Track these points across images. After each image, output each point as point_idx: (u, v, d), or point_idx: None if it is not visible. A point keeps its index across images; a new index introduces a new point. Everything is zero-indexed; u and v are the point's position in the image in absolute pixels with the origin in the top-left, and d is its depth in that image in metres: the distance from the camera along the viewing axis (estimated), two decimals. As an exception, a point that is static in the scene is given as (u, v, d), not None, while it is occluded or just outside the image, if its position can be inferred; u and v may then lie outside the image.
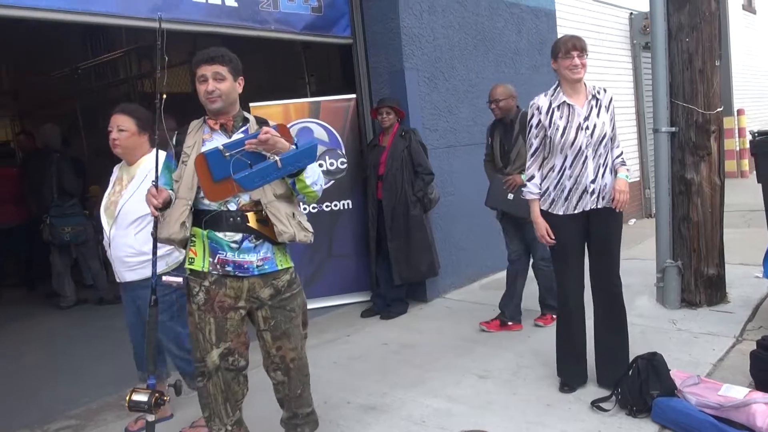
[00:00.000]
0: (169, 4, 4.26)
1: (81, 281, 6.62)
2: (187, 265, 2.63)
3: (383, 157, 5.05)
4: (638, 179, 9.07)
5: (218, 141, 2.58)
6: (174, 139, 2.69)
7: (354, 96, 5.56)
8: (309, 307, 5.15)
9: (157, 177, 2.57)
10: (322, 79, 7.32)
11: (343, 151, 5.45)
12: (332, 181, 5.43)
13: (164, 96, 2.53)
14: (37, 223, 6.27)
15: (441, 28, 5.74)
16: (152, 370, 2.58)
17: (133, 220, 3.13)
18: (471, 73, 6.09)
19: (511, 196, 4.43)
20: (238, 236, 2.57)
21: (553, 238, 3.33)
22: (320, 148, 5.37)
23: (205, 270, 2.58)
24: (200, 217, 2.57)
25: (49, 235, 6.08)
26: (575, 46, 3.22)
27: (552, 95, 3.33)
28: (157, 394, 2.47)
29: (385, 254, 5.17)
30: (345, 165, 5.44)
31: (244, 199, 2.56)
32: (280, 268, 2.66)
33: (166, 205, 2.56)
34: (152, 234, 2.59)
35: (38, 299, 6.86)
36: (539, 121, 3.32)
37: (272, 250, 2.64)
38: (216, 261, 2.57)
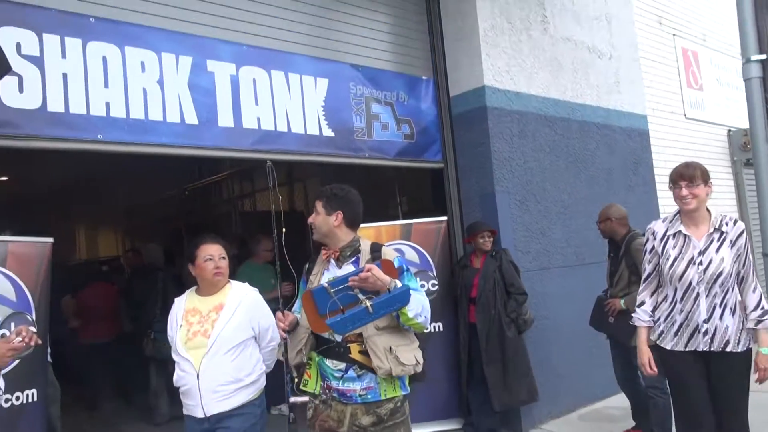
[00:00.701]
0: (271, 136, 4.54)
1: (177, 397, 6.70)
2: (301, 387, 2.86)
3: (476, 279, 5.00)
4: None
5: (333, 272, 2.83)
6: (306, 267, 3.03)
7: (445, 218, 5.61)
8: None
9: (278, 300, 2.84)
10: (414, 201, 7.47)
11: (434, 273, 5.44)
12: (423, 303, 5.38)
13: (284, 231, 3.13)
14: (133, 338, 6.50)
15: (531, 151, 5.80)
16: None
17: (231, 347, 3.09)
18: (563, 194, 6.05)
19: (611, 319, 4.35)
20: (342, 365, 2.73)
21: (657, 370, 3.12)
22: (411, 270, 5.38)
23: (317, 392, 2.81)
24: (318, 344, 2.79)
25: (153, 350, 6.28)
26: (681, 175, 3.08)
27: (670, 221, 3.20)
28: None
29: (477, 379, 4.99)
30: (436, 287, 5.40)
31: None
32: (383, 398, 2.71)
33: (293, 326, 2.84)
34: (282, 355, 3.05)
35: (134, 412, 6.99)
36: (653, 246, 3.20)
37: (376, 380, 2.70)
38: (324, 386, 2.79)
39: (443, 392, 5.42)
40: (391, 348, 2.68)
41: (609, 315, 4.44)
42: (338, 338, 2.71)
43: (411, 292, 2.65)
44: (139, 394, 7.06)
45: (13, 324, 3.42)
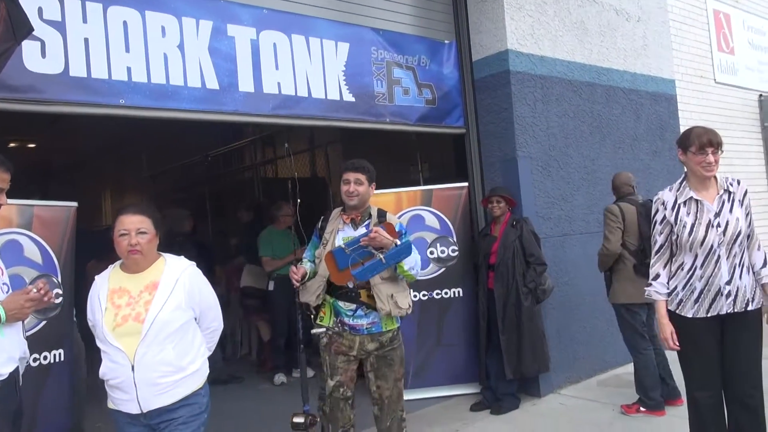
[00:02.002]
0: (291, 100, 4.53)
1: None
2: (317, 321, 3.54)
3: (495, 246, 4.98)
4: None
5: (347, 232, 3.53)
6: (319, 224, 3.66)
7: (466, 184, 5.58)
8: (418, 396, 5.16)
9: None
10: (435, 166, 7.44)
11: (455, 239, 5.44)
12: (443, 269, 5.41)
13: (299, 201, 3.52)
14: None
15: (555, 116, 5.71)
16: (306, 399, 3.41)
17: (170, 333, 2.65)
18: (587, 161, 5.97)
19: None
20: (353, 306, 3.49)
21: (679, 342, 3.09)
22: (431, 236, 5.40)
23: (330, 325, 3.51)
24: (330, 289, 3.50)
25: None
26: (710, 141, 3.01)
27: (678, 190, 3.14)
28: (310, 417, 3.33)
29: (495, 346, 5.02)
30: (456, 253, 5.41)
31: None
32: (384, 329, 3.51)
33: (304, 278, 3.48)
34: (296, 300, 3.55)
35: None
36: (664, 216, 3.14)
37: (378, 316, 3.48)
38: (337, 321, 3.51)
39: (462, 357, 5.47)
40: (392, 295, 3.44)
41: None
42: (350, 285, 3.43)
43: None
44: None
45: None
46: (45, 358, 3.49)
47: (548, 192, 5.60)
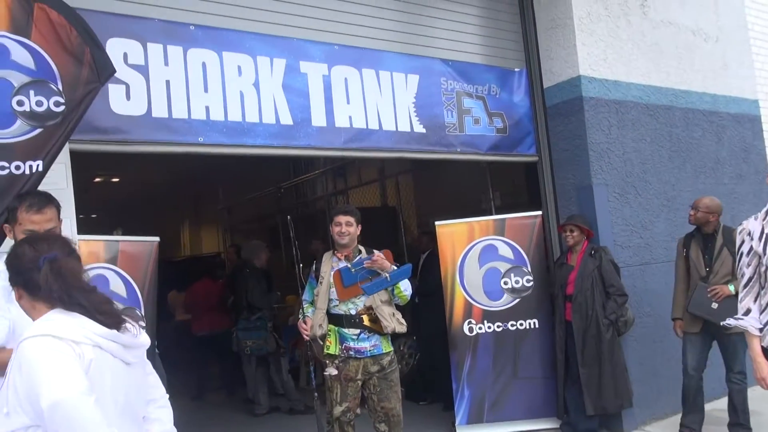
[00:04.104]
0: (362, 133, 4.59)
1: (276, 390, 6.91)
2: (325, 351, 3.92)
3: (572, 276, 4.85)
4: None
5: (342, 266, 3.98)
6: (313, 266, 4.14)
7: (540, 213, 5.47)
8: (495, 431, 4.98)
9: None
10: (506, 194, 7.35)
11: (529, 269, 5.32)
12: (517, 300, 5.28)
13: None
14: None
15: (631, 141, 5.56)
16: None
17: None
18: (666, 186, 5.77)
19: (715, 305, 4.46)
20: (357, 331, 3.90)
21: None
22: (505, 266, 5.30)
23: (336, 353, 3.89)
24: (333, 319, 3.94)
25: (235, 346, 6.50)
26: None
27: (764, 219, 2.97)
28: None
29: (574, 379, 4.85)
30: (531, 283, 5.28)
31: (360, 306, 3.91)
32: (384, 351, 3.94)
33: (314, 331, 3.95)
34: (309, 353, 4.03)
35: (237, 404, 7.27)
36: (750, 248, 2.97)
37: (379, 339, 3.92)
38: (343, 347, 3.90)
39: (540, 391, 5.30)
40: (393, 314, 3.94)
41: (713, 300, 4.48)
42: (353, 312, 3.90)
43: None
44: (241, 387, 7.33)
45: (123, 319, 3.62)
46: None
47: (626, 219, 5.42)
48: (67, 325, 1.77)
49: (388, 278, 3.86)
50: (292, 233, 3.97)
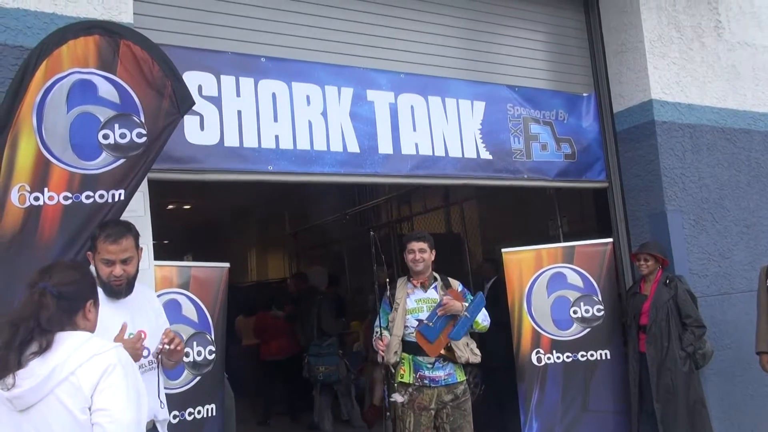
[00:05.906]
0: (428, 160, 4.59)
1: (341, 417, 6.92)
2: (398, 379, 3.91)
3: (646, 306, 4.69)
4: None
5: (418, 294, 4.05)
6: (387, 292, 4.09)
7: (611, 240, 5.31)
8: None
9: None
10: (574, 221, 7.20)
11: (599, 298, 5.16)
12: (588, 330, 5.12)
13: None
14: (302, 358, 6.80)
15: (707, 167, 5.37)
16: None
17: None
18: (745, 213, 5.53)
19: None
20: (432, 360, 3.91)
21: None
22: (574, 294, 5.16)
23: (411, 382, 3.89)
24: (407, 347, 3.93)
25: (307, 372, 6.53)
26: None
27: None
28: None
29: (649, 414, 4.66)
30: (602, 312, 5.11)
31: None
32: (458, 380, 3.97)
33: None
34: (383, 367, 4.05)
35: (301, 430, 7.31)
36: None
37: (453, 368, 3.96)
38: (417, 376, 3.91)
39: (612, 424, 5.10)
40: (467, 344, 3.96)
41: None
42: (442, 352, 3.89)
43: None
44: (305, 412, 7.38)
45: (195, 343, 3.71)
46: (199, 412, 3.66)
47: (703, 247, 5.22)
48: None
49: (467, 315, 3.88)
50: (373, 249, 3.97)
